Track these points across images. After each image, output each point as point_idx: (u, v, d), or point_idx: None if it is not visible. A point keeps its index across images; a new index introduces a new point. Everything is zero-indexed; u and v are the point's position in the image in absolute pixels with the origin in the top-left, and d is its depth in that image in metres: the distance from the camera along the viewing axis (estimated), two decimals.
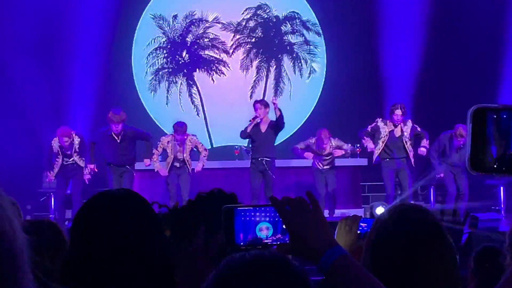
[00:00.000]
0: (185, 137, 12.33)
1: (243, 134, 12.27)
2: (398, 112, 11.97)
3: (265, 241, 1.81)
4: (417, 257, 2.18)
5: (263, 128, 12.11)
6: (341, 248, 1.79)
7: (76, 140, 12.17)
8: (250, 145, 12.59)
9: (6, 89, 14.14)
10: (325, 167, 12.37)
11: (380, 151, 12.03)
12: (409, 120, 12.24)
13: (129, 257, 2.12)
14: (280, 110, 11.81)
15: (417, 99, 14.29)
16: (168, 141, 12.36)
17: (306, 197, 1.86)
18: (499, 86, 14.56)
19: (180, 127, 12.30)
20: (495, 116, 1.66)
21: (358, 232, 3.17)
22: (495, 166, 1.66)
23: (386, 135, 12.06)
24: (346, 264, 1.74)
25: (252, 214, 1.81)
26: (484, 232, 9.47)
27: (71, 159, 12.16)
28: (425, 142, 12.17)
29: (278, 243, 1.81)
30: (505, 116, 1.67)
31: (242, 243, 1.80)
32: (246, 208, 1.81)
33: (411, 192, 12.43)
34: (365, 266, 2.23)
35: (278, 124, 11.96)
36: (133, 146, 12.17)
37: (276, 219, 1.81)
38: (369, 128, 12.17)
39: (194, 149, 12.45)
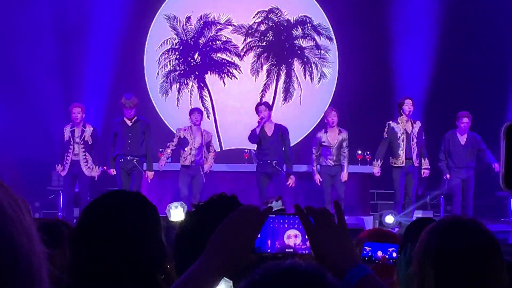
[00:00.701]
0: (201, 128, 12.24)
1: (253, 138, 12.11)
2: (409, 102, 11.78)
3: (293, 249, 1.79)
4: (476, 269, 2.17)
5: (269, 131, 12.04)
6: (365, 266, 1.76)
7: (89, 129, 12.07)
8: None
9: (17, 86, 14.19)
10: (334, 163, 12.09)
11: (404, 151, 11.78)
12: (418, 121, 12.09)
13: (120, 259, 2.17)
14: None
15: (430, 106, 14.25)
16: (185, 129, 12.18)
17: (333, 208, 1.85)
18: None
19: (196, 110, 12.30)
20: None
21: (362, 256, 3.14)
22: None
23: (403, 132, 11.78)
24: (371, 284, 1.72)
25: (281, 221, 1.80)
26: None
27: (81, 151, 12.00)
28: (426, 163, 11.91)
29: (306, 252, 1.79)
30: None
31: (269, 250, 1.79)
32: (275, 215, 1.79)
33: (419, 201, 12.35)
34: (419, 279, 2.22)
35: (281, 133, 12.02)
36: (143, 139, 11.95)
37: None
38: (385, 135, 11.88)
39: (204, 147, 12.21)
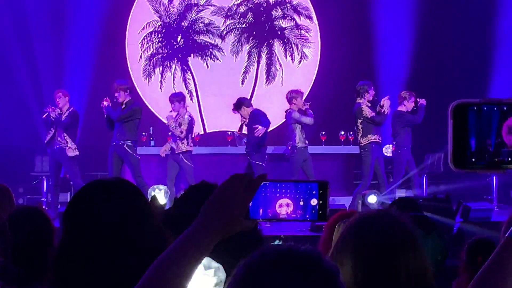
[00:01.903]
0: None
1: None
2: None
3: (284, 217, 1.81)
4: (388, 262, 2.23)
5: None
6: None
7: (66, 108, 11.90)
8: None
9: (1, 69, 14.13)
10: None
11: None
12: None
13: (118, 247, 2.14)
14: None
15: (410, 85, 14.28)
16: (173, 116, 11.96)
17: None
18: (491, 76, 14.57)
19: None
20: (476, 111, 1.65)
21: None
22: (476, 161, 1.65)
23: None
24: None
25: (273, 190, 1.81)
26: (476, 222, 9.54)
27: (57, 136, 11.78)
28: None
29: (298, 219, 1.82)
30: (486, 110, 1.66)
31: (261, 218, 1.82)
32: (267, 182, 1.81)
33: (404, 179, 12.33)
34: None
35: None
36: (133, 124, 11.69)
37: (297, 196, 1.82)
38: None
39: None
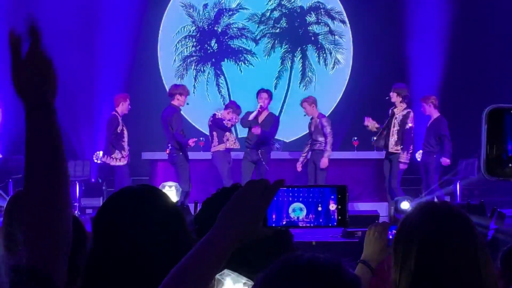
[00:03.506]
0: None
1: (244, 123, 11.94)
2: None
3: (298, 222, 1.80)
4: (445, 252, 2.27)
5: (261, 118, 11.91)
6: None
7: None
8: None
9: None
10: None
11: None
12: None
13: (152, 254, 2.12)
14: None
15: (443, 91, 14.17)
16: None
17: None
18: None
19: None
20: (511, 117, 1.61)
21: (389, 239, 3.16)
22: (511, 168, 1.60)
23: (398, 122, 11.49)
24: None
25: (286, 194, 1.80)
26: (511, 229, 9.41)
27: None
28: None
29: (311, 225, 1.80)
30: None
31: (274, 225, 1.79)
32: (283, 188, 1.79)
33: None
34: (395, 262, 2.28)
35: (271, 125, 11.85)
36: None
37: (310, 199, 1.80)
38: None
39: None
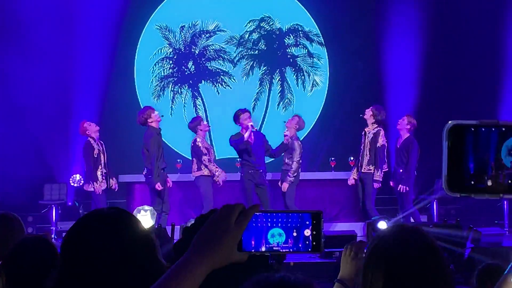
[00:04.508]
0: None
1: (243, 144, 11.71)
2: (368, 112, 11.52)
3: (276, 248, 1.77)
4: (411, 277, 2.31)
5: (254, 138, 11.81)
6: None
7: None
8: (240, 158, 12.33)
9: (7, 99, 14.15)
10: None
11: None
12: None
13: (119, 280, 2.10)
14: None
15: (420, 110, 14.24)
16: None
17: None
18: (501, 98, 14.52)
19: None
20: (473, 133, 1.61)
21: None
22: (475, 183, 1.60)
23: (368, 141, 11.48)
24: None
25: (264, 219, 1.78)
26: (487, 247, 9.43)
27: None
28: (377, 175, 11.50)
29: (290, 250, 1.78)
30: (484, 132, 1.61)
31: (253, 250, 1.77)
32: (258, 213, 1.77)
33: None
34: (363, 284, 2.29)
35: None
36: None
37: (289, 225, 1.78)
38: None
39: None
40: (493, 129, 1.61)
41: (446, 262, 2.40)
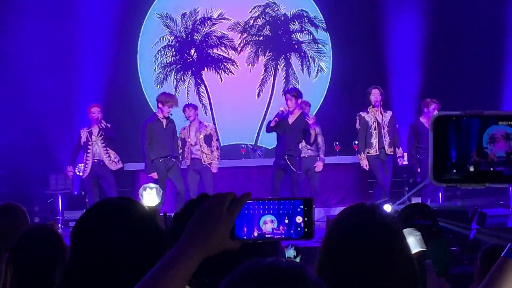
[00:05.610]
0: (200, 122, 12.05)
1: (268, 128, 11.51)
2: (376, 91, 11.55)
3: (268, 235, 1.78)
4: (367, 260, 2.21)
5: (291, 120, 11.40)
6: None
7: (106, 126, 11.96)
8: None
9: (12, 90, 14.17)
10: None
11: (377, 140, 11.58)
12: (389, 111, 11.83)
13: (126, 267, 2.12)
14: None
15: (424, 94, 14.21)
16: (184, 128, 12.00)
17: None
18: (504, 84, 14.50)
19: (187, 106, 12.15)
20: (456, 123, 1.63)
21: None
22: (457, 172, 1.62)
23: (374, 121, 11.57)
24: None
25: (256, 207, 1.79)
26: (492, 229, 9.41)
27: (102, 147, 11.86)
28: (400, 152, 11.76)
29: (282, 237, 1.79)
30: (467, 121, 1.63)
31: (245, 237, 1.78)
32: (249, 201, 1.78)
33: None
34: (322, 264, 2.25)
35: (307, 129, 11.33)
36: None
37: (280, 211, 1.79)
38: (357, 126, 11.67)
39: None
40: (476, 118, 1.63)
41: (405, 243, 2.27)
